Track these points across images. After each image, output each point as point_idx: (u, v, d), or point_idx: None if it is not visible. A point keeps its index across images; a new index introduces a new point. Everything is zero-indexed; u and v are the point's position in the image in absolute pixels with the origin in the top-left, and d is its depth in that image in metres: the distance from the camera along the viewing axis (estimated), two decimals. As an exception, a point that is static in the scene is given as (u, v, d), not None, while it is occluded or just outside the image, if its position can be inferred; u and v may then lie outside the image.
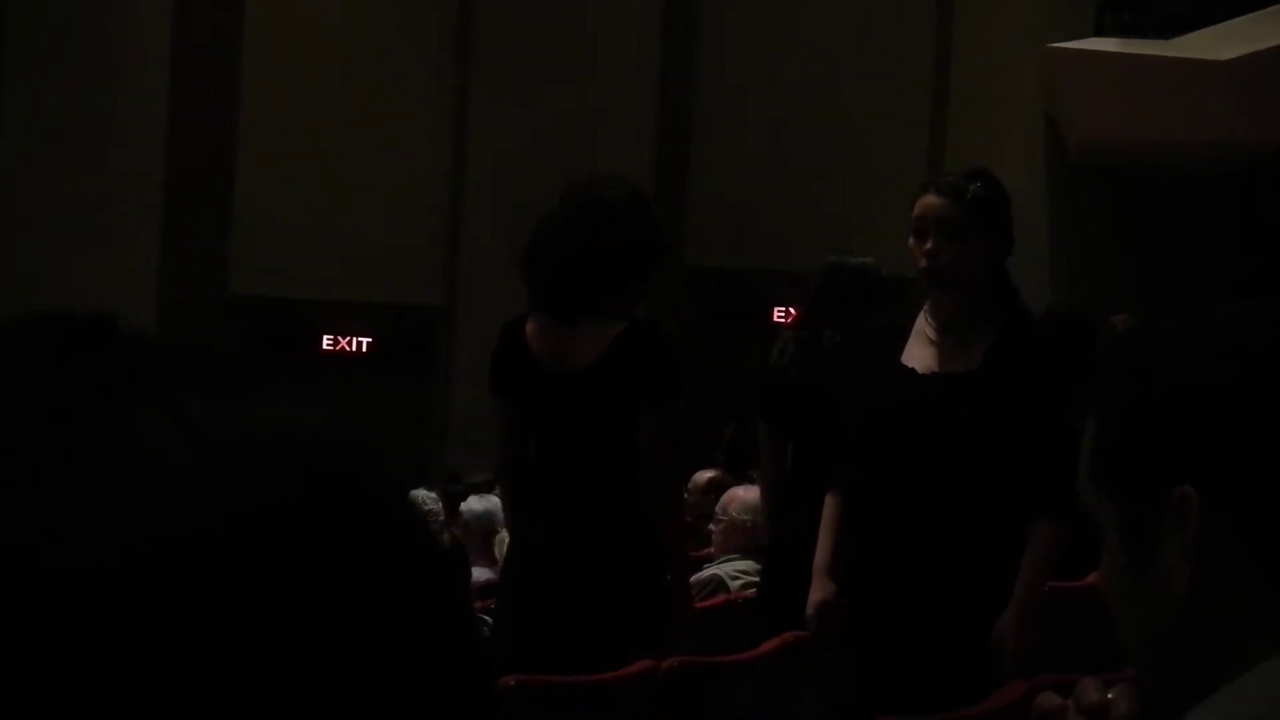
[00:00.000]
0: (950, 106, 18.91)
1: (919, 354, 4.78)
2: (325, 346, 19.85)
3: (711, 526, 7.94)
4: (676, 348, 5.26)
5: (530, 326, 5.18)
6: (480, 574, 7.74)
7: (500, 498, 4.95)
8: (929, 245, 4.78)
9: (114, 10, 18.56)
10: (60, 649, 0.55)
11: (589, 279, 5.07)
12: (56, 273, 17.69)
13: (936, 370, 4.74)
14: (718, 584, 7.30)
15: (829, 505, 4.88)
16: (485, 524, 7.93)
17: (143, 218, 18.65)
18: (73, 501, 0.56)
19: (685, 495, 7.83)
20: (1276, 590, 1.38)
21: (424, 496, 9.40)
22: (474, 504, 8.41)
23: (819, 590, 4.79)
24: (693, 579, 7.08)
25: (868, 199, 18.12)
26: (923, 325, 4.84)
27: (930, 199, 4.85)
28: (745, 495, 7.56)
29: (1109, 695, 1.45)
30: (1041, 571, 4.67)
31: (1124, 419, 1.54)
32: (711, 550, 7.88)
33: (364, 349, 19.96)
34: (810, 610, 4.78)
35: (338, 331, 19.87)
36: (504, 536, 6.85)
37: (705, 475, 9.77)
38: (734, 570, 7.34)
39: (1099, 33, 17.68)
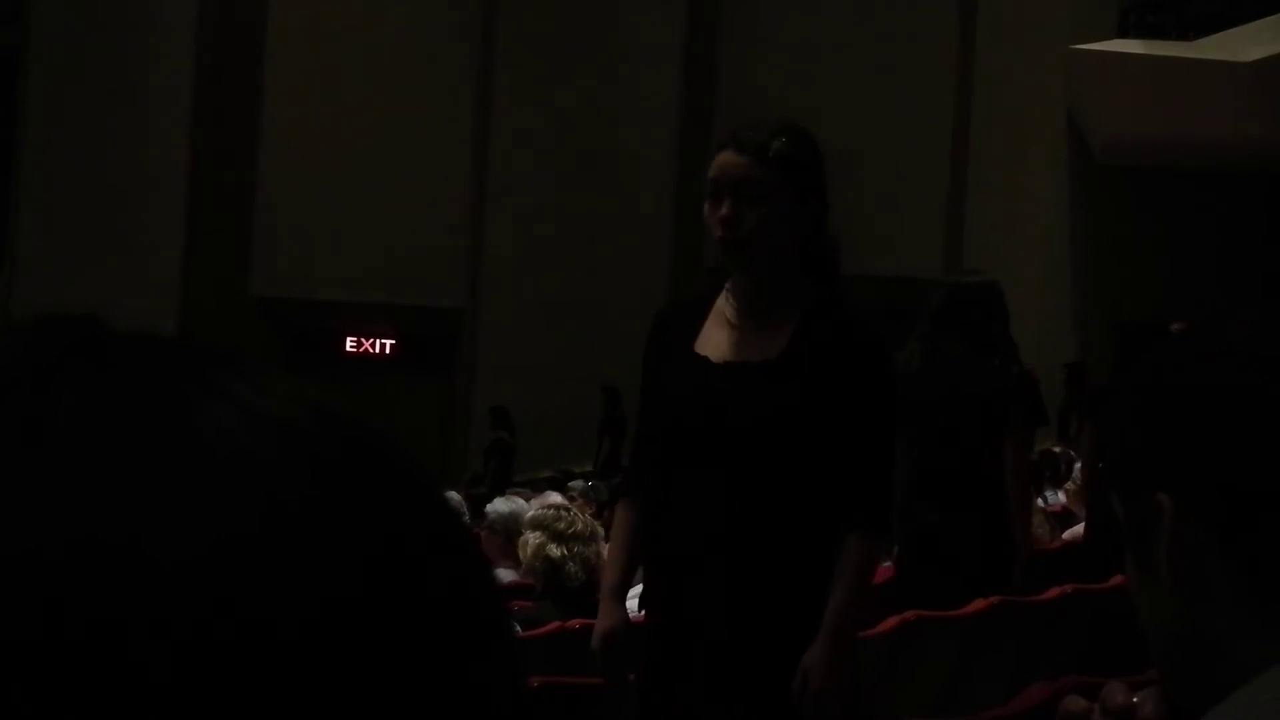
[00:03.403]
0: (973, 108, 18.90)
1: (715, 340, 4.11)
2: (349, 348, 19.89)
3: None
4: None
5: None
6: (504, 575, 7.76)
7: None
8: (725, 210, 4.00)
9: (138, 16, 18.60)
10: (155, 647, 0.55)
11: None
12: (81, 275, 17.74)
13: (731, 359, 4.07)
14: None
15: (619, 517, 4.27)
16: (510, 525, 7.94)
17: (166, 220, 18.70)
18: (159, 495, 0.57)
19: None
20: (1259, 594, 1.39)
21: (449, 497, 9.41)
22: (500, 505, 8.43)
23: (605, 617, 4.11)
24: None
25: (891, 200, 18.12)
26: (723, 306, 4.14)
27: (728, 157, 4.05)
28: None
29: (1135, 698, 1.45)
30: (852, 594, 3.93)
31: (1125, 421, 1.54)
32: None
33: (387, 350, 19.99)
34: (596, 641, 4.10)
35: (361, 333, 19.91)
36: (527, 538, 6.87)
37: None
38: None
39: (1123, 34, 17.66)
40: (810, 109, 18.63)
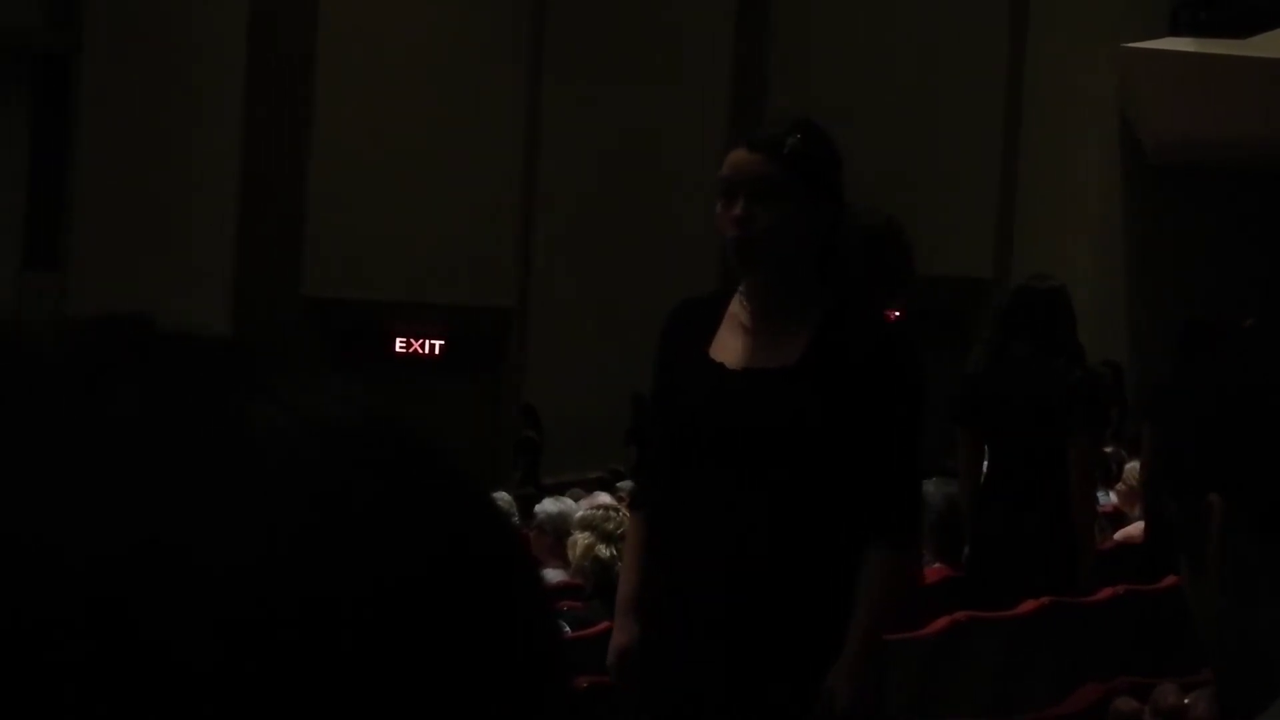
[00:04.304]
0: (1024, 107, 18.84)
1: (730, 345, 3.96)
2: (398, 348, 19.94)
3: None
4: (920, 355, 5.62)
5: None
6: (553, 575, 7.78)
7: None
8: (739, 210, 3.87)
9: (191, 15, 18.69)
10: (213, 649, 0.55)
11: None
12: (133, 277, 17.83)
13: (749, 366, 3.91)
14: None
15: (631, 529, 4.15)
16: (559, 525, 7.96)
17: (218, 221, 18.79)
18: (212, 497, 0.57)
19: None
20: None
21: (498, 498, 9.43)
22: (549, 505, 8.45)
23: (620, 632, 3.99)
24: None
25: (941, 200, 18.08)
26: (737, 310, 3.99)
27: (741, 155, 3.94)
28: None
29: (1186, 699, 1.45)
30: (878, 609, 3.79)
31: (1179, 421, 1.54)
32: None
33: (436, 351, 20.03)
34: (611, 657, 3.99)
35: (410, 334, 19.95)
36: (576, 538, 6.87)
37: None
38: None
39: (1174, 32, 17.58)
40: (860, 113, 18.59)
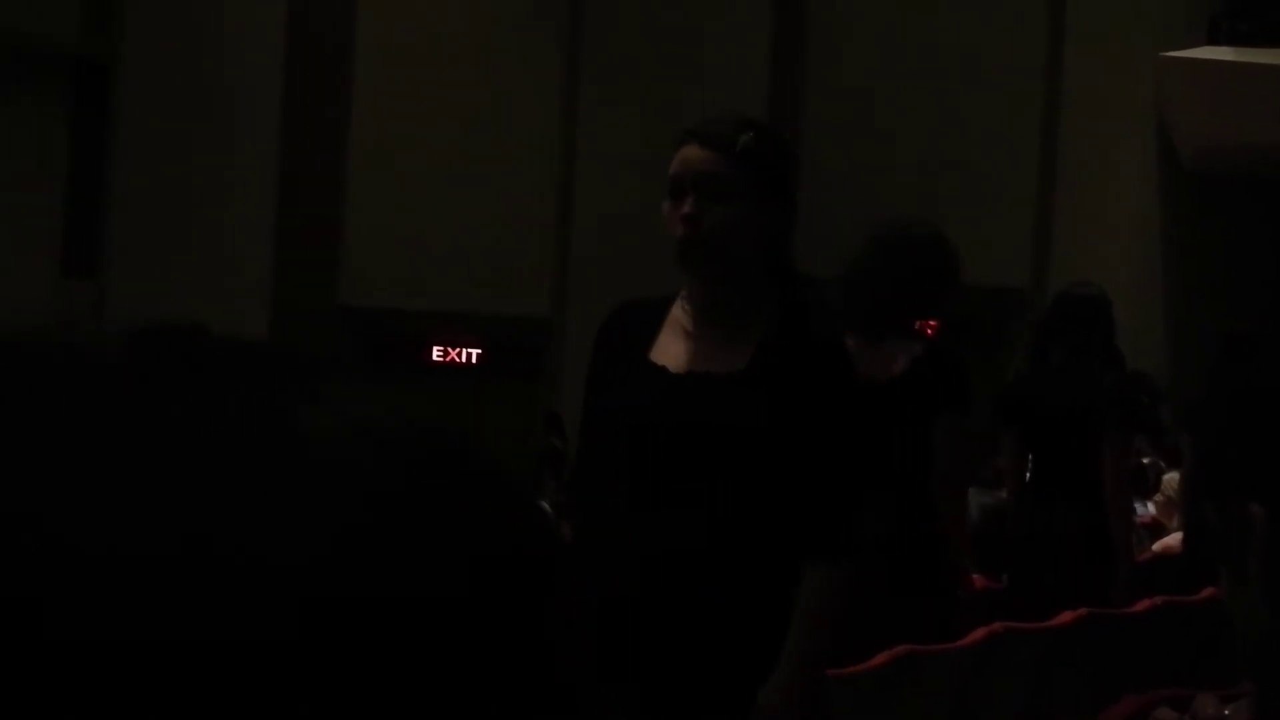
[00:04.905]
0: (1062, 116, 18.80)
1: (672, 350, 3.79)
2: (435, 357, 19.97)
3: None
4: (968, 365, 5.83)
5: None
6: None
7: None
8: (687, 208, 3.71)
9: (228, 28, 18.75)
10: (269, 647, 0.56)
11: (898, 306, 5.73)
12: (170, 285, 17.89)
13: (693, 369, 3.75)
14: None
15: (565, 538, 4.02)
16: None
17: (255, 230, 18.83)
18: (267, 500, 0.58)
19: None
20: None
21: (539, 506, 9.45)
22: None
23: None
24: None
25: (978, 209, 18.04)
26: (679, 314, 3.83)
27: (691, 151, 3.77)
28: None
29: (1226, 710, 1.44)
30: (815, 628, 3.63)
31: (1219, 431, 1.54)
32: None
33: (473, 359, 20.05)
34: None
35: (447, 342, 19.98)
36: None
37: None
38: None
39: (1212, 41, 17.53)
40: (897, 118, 18.59)
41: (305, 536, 0.57)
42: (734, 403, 3.69)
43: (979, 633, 5.85)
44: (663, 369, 3.78)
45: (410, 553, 0.59)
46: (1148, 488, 10.71)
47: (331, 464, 0.59)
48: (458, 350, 20.04)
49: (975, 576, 7.06)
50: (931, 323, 5.87)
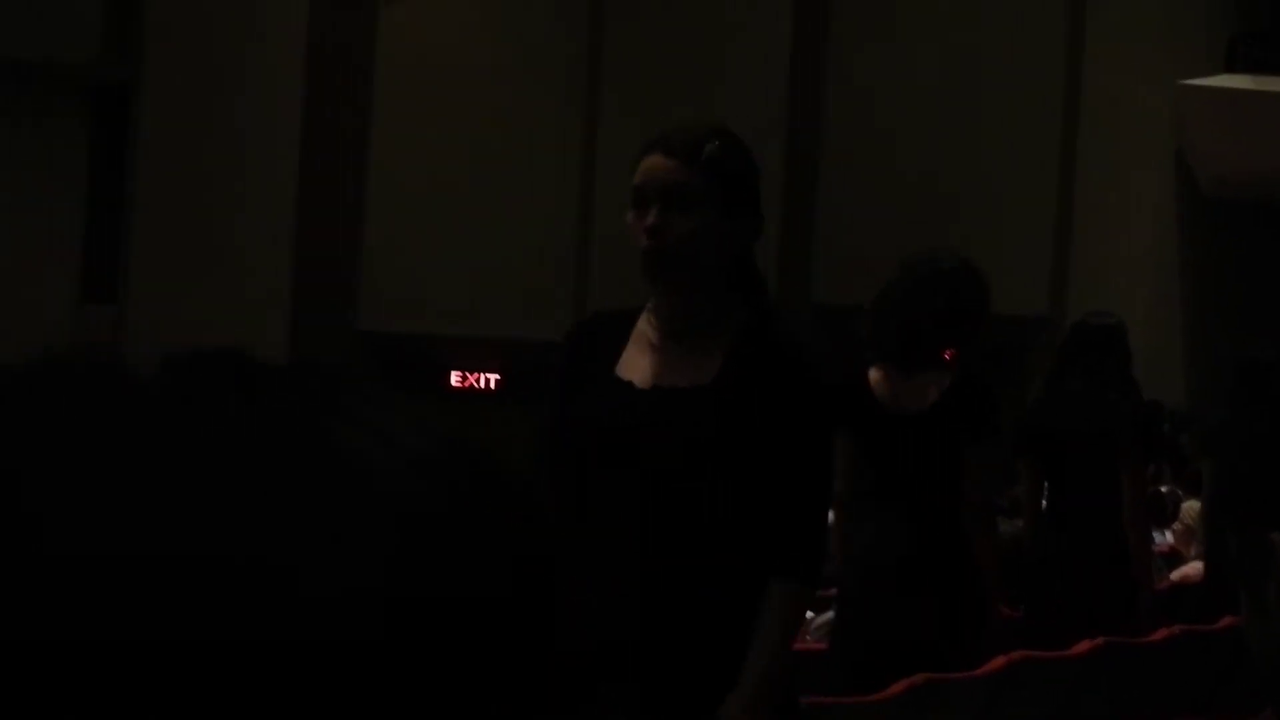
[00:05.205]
0: (1080, 143, 18.80)
1: (638, 364, 3.74)
2: (454, 382, 19.98)
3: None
4: (998, 394, 5.96)
5: (873, 374, 5.93)
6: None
7: (833, 526, 5.26)
8: (652, 219, 3.65)
9: (248, 51, 18.80)
10: (314, 666, 0.58)
11: (929, 337, 5.86)
12: (190, 309, 17.92)
13: (659, 384, 3.70)
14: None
15: None
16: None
17: (274, 255, 18.86)
18: (311, 520, 0.59)
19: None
20: None
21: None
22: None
23: None
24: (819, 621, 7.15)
25: (996, 237, 18.04)
26: (644, 328, 3.79)
27: (656, 160, 3.71)
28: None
29: (1247, 741, 1.44)
30: (776, 644, 3.59)
31: (1238, 459, 1.54)
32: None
33: (492, 385, 20.06)
34: None
35: (466, 367, 19.99)
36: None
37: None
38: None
39: (1230, 68, 17.53)
40: (915, 146, 18.60)
41: (351, 558, 0.59)
42: (700, 416, 3.63)
43: (998, 661, 5.84)
44: (628, 384, 3.73)
45: (448, 573, 0.60)
46: (1166, 516, 10.68)
47: (372, 486, 0.61)
48: (477, 375, 20.05)
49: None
50: (949, 351, 5.89)
